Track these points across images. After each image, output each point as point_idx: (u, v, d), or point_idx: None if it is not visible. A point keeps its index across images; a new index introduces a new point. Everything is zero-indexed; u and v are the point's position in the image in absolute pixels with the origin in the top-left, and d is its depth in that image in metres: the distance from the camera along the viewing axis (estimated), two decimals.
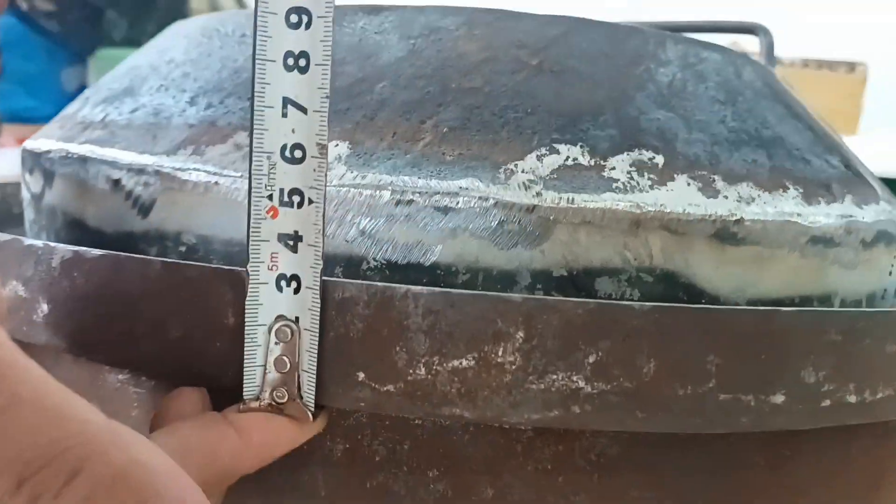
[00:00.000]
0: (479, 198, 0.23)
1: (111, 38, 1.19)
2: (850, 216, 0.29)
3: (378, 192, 0.24)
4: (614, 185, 0.24)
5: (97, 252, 0.21)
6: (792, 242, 0.27)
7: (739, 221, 0.25)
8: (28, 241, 0.22)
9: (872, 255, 0.30)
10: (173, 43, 0.33)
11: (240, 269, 0.19)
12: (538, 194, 0.24)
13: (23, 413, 0.14)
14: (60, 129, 0.32)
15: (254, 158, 0.18)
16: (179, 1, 1.24)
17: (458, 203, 0.23)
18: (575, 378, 0.19)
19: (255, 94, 0.18)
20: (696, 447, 0.23)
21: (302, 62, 0.18)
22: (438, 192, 0.23)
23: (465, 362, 0.19)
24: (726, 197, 0.26)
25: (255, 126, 0.18)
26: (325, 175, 0.19)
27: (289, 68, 0.18)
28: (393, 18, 0.29)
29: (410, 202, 0.23)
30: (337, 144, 0.25)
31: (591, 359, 0.19)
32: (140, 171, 0.26)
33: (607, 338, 0.19)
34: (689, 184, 0.25)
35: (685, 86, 0.29)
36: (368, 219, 0.24)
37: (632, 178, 0.25)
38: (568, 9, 0.32)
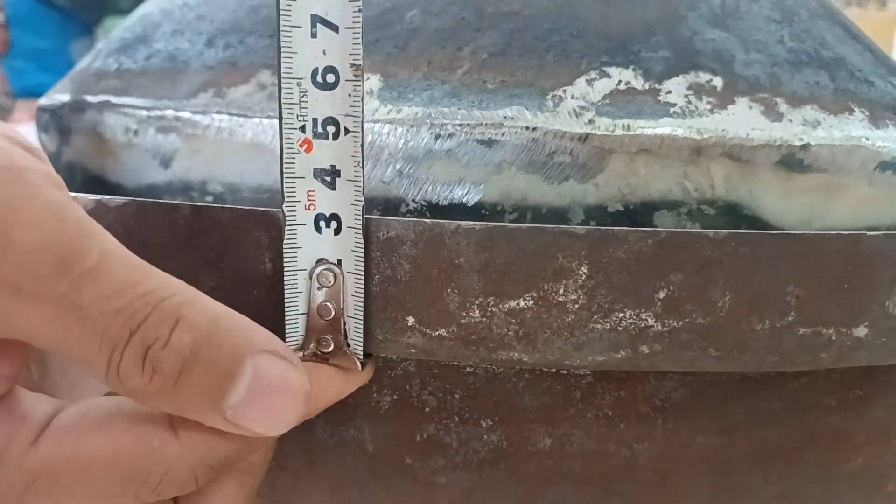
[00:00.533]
0: (526, 128, 0.22)
1: (118, 7, 1.17)
2: None
3: (415, 126, 0.22)
4: (672, 109, 0.22)
5: (120, 200, 0.19)
6: (860, 169, 0.25)
7: (806, 147, 0.23)
8: None
9: None
10: None
11: (275, 209, 0.18)
12: (590, 121, 0.22)
13: (117, 266, 0.15)
14: (74, 82, 0.31)
15: (283, 86, 0.17)
16: None
17: (502, 134, 0.22)
18: (644, 315, 0.18)
19: (281, 12, 0.16)
20: (767, 389, 0.21)
21: None
22: (481, 124, 0.22)
23: (522, 302, 0.17)
24: (791, 121, 0.24)
25: (282, 50, 0.17)
26: (362, 100, 0.17)
27: None
28: None
29: (451, 136, 0.22)
30: (368, 78, 0.23)
31: (662, 294, 0.17)
32: (159, 118, 0.25)
33: (679, 270, 0.17)
34: (750, 107, 0.23)
35: (739, 4, 0.27)
36: (406, 156, 0.22)
37: (690, 102, 0.23)
38: None
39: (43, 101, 0.32)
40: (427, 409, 0.21)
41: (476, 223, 0.17)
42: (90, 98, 0.28)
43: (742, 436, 0.22)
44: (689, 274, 0.17)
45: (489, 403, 0.21)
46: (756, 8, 0.27)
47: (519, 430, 0.21)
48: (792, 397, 0.22)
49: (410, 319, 0.18)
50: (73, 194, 0.21)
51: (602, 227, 0.17)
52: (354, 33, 0.17)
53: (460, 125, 0.22)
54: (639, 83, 0.23)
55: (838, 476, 0.23)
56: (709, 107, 0.23)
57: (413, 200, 0.22)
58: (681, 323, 0.18)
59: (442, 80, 0.23)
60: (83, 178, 0.29)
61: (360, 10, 0.17)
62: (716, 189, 0.23)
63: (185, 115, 0.24)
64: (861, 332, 0.19)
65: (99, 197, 0.20)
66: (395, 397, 0.21)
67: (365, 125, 0.22)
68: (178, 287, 0.15)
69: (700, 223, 0.23)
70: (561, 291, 0.17)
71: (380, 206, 0.22)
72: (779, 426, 0.22)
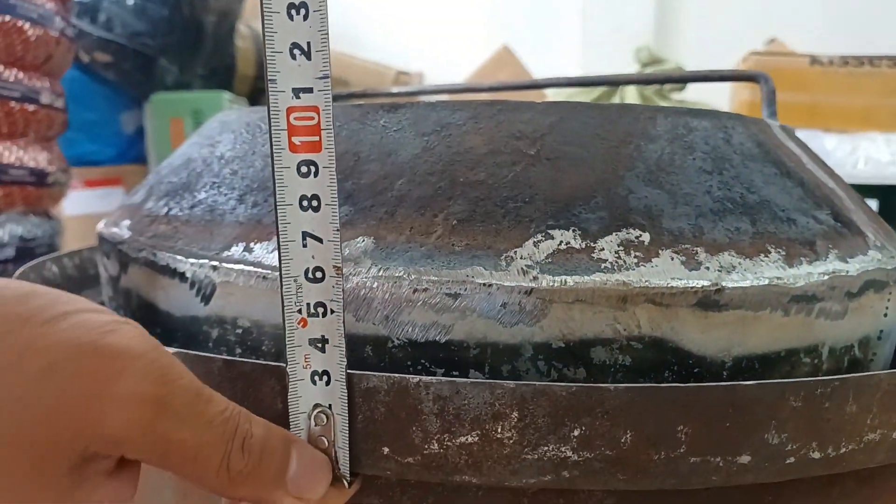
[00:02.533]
0: (484, 284, 0.27)
1: (164, 83, 1.27)
2: (834, 272, 0.31)
3: (398, 282, 0.28)
4: (603, 265, 0.28)
5: (173, 350, 0.26)
6: (774, 303, 0.30)
7: (720, 290, 0.28)
8: None
9: (862, 304, 0.33)
10: (221, 137, 0.38)
11: (284, 365, 0.24)
12: (535, 278, 0.27)
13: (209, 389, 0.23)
14: (130, 219, 0.37)
15: (284, 282, 0.23)
16: (225, 44, 1.32)
17: (465, 289, 0.27)
18: (563, 449, 0.23)
19: (279, 231, 0.23)
20: (683, 498, 0.26)
21: (314, 203, 0.23)
22: (448, 281, 0.27)
23: (470, 438, 0.23)
24: (708, 268, 0.29)
25: (281, 256, 0.23)
26: (343, 290, 0.23)
27: (304, 209, 0.23)
28: (409, 115, 0.33)
29: (426, 290, 0.27)
30: (363, 240, 0.29)
31: (577, 432, 0.23)
32: (201, 266, 0.31)
33: (589, 415, 0.23)
34: (672, 258, 0.29)
35: (673, 160, 0.32)
36: (391, 305, 0.28)
37: (619, 258, 0.28)
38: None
39: (104, 230, 0.39)
40: None
41: (433, 378, 0.23)
42: (144, 241, 0.34)
43: None
44: (596, 418, 0.23)
45: None
46: (690, 161, 0.33)
47: None
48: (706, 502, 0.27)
49: (385, 449, 0.24)
50: None
51: (528, 383, 0.23)
52: (335, 244, 0.23)
53: (432, 282, 0.27)
54: (577, 242, 0.28)
55: None
56: (635, 260, 0.28)
57: (397, 338, 0.28)
58: (593, 454, 0.23)
59: (420, 244, 0.29)
60: (138, 303, 0.35)
61: (338, 231, 0.23)
62: (642, 328, 0.28)
63: (221, 266, 0.30)
64: (745, 458, 0.24)
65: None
66: (381, 500, 0.26)
67: (361, 279, 0.28)
68: None
69: (630, 356, 0.28)
70: (499, 430, 0.23)
71: (371, 342, 0.28)
72: None
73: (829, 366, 0.32)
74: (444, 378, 0.23)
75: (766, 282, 0.29)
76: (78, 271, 0.51)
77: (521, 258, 0.28)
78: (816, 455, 0.24)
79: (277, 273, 0.29)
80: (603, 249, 0.28)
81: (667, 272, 0.28)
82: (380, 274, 0.28)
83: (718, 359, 0.29)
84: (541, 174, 0.31)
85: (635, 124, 0.33)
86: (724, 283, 0.29)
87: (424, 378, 0.23)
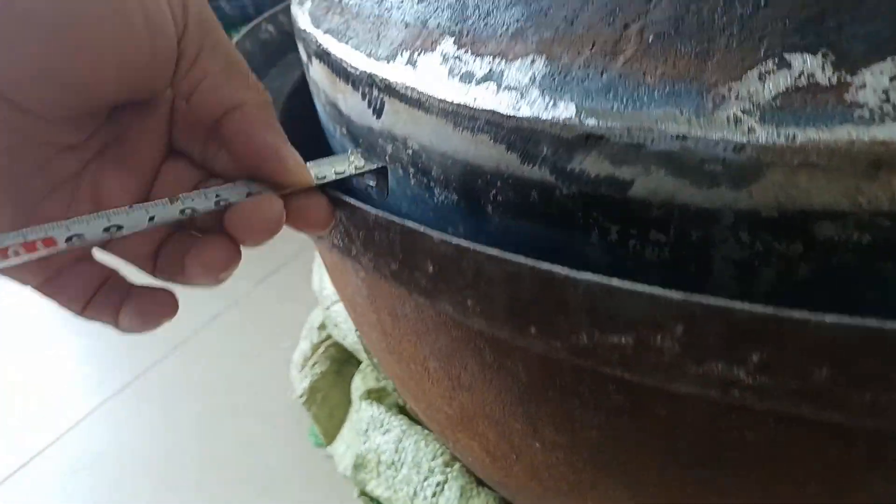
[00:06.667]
0: (676, 136, 0.21)
1: None
2: None
3: (567, 124, 0.23)
4: (858, 111, 0.20)
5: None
6: None
7: None
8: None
9: None
10: None
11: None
12: (750, 130, 0.20)
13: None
14: (312, 2, 0.35)
15: None
16: None
17: (652, 139, 0.22)
18: (737, 371, 0.19)
19: None
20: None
21: None
22: (630, 126, 0.22)
23: (624, 340, 0.20)
24: None
25: None
26: None
27: None
28: None
29: (601, 138, 0.22)
30: (533, 60, 0.24)
31: (755, 358, 0.19)
32: (368, 78, 0.28)
33: (776, 345, 0.18)
34: None
35: None
36: (559, 150, 0.23)
37: (887, 99, 0.20)
38: None
39: (292, 8, 0.37)
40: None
41: (583, 276, 0.20)
42: (320, 37, 0.32)
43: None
44: (782, 350, 0.18)
45: None
46: None
47: None
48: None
49: (533, 329, 0.22)
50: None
51: (696, 300, 0.18)
52: None
53: (610, 128, 0.22)
54: (825, 75, 0.20)
55: None
56: None
57: (566, 188, 0.24)
58: (774, 382, 0.19)
59: (601, 69, 0.22)
60: (325, 99, 0.34)
61: None
62: (895, 202, 0.20)
63: (386, 82, 0.28)
64: None
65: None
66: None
67: (523, 120, 0.23)
68: None
69: (870, 234, 0.21)
70: (658, 340, 0.20)
71: (536, 187, 0.25)
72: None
73: None
74: (594, 279, 0.20)
75: None
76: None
77: (736, 98, 0.21)
78: None
79: (438, 101, 0.26)
80: (864, 87, 0.20)
81: None
82: (546, 114, 0.23)
83: None
84: None
85: None
86: None
87: (572, 274, 0.20)
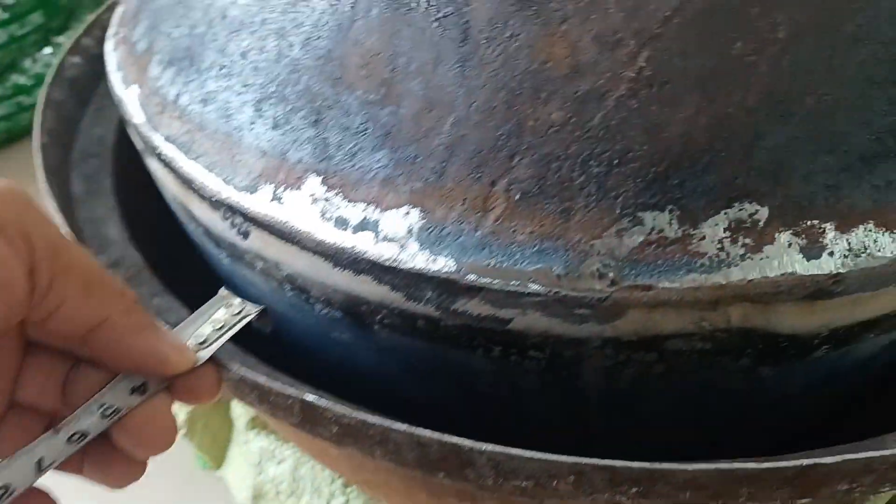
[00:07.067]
0: (549, 290, 0.23)
1: None
2: None
3: (449, 278, 0.24)
4: (700, 261, 0.23)
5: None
6: None
7: (839, 280, 0.23)
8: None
9: None
10: None
11: None
12: (613, 282, 0.23)
13: None
14: (139, 85, 0.31)
15: None
16: None
17: (527, 290, 0.24)
18: (620, 499, 0.23)
19: None
20: None
21: None
22: (508, 280, 0.23)
23: (525, 483, 0.23)
24: (832, 253, 0.23)
25: None
26: None
27: None
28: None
29: (481, 289, 0.24)
30: (408, 211, 0.24)
31: (634, 490, 0.22)
32: (229, 207, 0.27)
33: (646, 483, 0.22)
34: (790, 244, 0.23)
35: (831, 62, 0.23)
36: (443, 296, 0.25)
37: (722, 248, 0.23)
38: None
39: (112, 75, 0.33)
40: None
41: (486, 447, 0.22)
42: (159, 140, 0.29)
43: None
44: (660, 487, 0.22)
45: None
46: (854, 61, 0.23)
47: None
48: None
49: (441, 474, 0.24)
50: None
51: (585, 460, 0.21)
52: None
53: (488, 282, 0.24)
54: (672, 229, 0.23)
55: None
56: (742, 251, 0.23)
57: (451, 321, 0.25)
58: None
59: (474, 226, 0.24)
60: (172, 197, 0.32)
61: None
62: (731, 322, 0.24)
63: (252, 214, 0.27)
64: None
65: None
66: None
67: (407, 269, 0.24)
68: None
69: (710, 343, 0.25)
70: (554, 483, 0.23)
71: (423, 318, 0.26)
72: None
73: None
74: (496, 449, 0.22)
75: None
76: None
77: (598, 254, 0.23)
78: None
79: (322, 242, 0.25)
80: (703, 238, 0.23)
81: (778, 265, 0.23)
82: (428, 268, 0.24)
83: (812, 334, 0.25)
84: (640, 113, 0.23)
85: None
86: (846, 270, 0.23)
87: (476, 445, 0.22)
